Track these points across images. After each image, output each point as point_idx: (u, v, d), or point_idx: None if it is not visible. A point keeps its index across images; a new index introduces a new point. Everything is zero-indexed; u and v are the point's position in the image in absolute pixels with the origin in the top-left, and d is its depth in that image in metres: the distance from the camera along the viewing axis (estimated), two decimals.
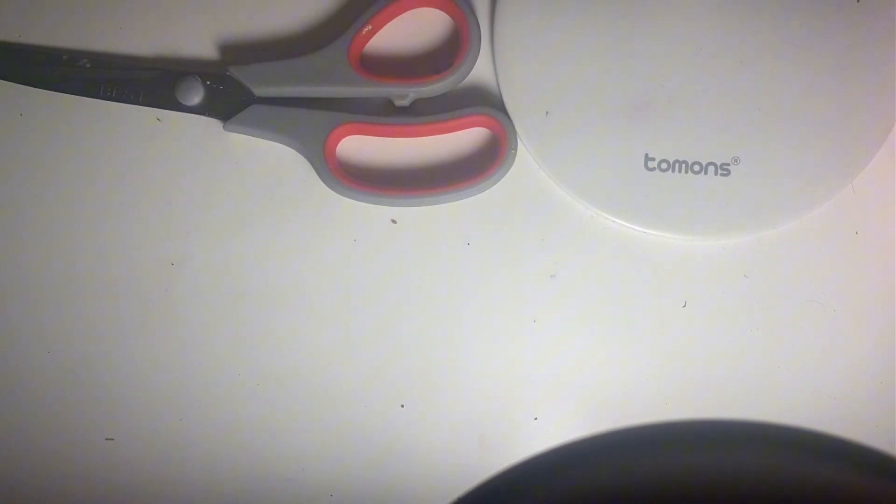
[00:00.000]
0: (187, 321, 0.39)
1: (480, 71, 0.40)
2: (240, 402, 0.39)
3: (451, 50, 0.40)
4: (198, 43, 0.40)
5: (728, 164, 0.38)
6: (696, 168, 0.38)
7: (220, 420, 0.39)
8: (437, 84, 0.39)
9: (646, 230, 0.39)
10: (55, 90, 0.39)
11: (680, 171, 0.38)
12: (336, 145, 0.40)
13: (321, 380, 0.39)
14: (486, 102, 0.40)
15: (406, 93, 0.39)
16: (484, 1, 0.40)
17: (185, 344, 0.39)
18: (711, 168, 0.38)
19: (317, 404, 0.39)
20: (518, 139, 0.39)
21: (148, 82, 0.39)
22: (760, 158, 0.39)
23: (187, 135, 0.40)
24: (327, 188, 0.39)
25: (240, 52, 0.40)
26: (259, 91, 0.39)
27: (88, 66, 0.40)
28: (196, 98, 0.39)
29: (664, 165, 0.39)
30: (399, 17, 0.40)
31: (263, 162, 0.40)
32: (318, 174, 0.39)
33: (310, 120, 0.39)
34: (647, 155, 0.39)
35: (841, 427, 0.39)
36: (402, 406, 0.39)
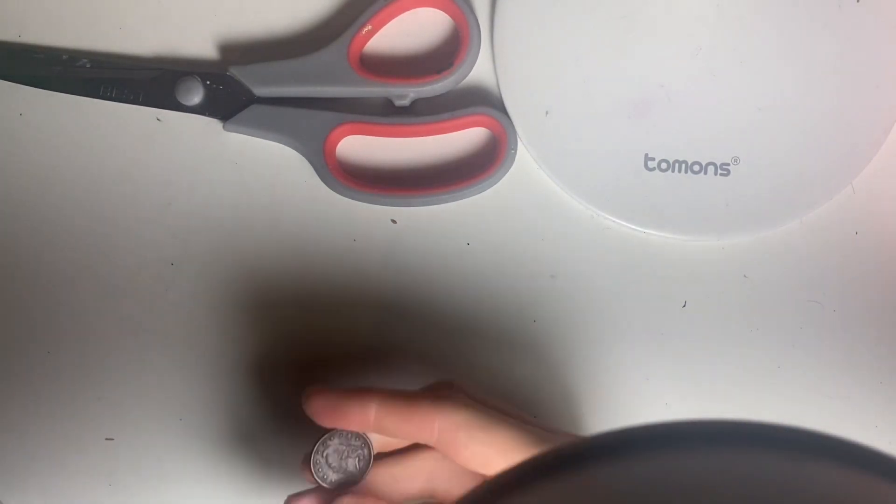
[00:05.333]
0: (187, 321, 0.39)
1: (480, 71, 0.40)
2: (240, 401, 0.39)
3: (451, 50, 0.40)
4: (198, 43, 0.40)
5: (728, 164, 0.38)
6: (696, 168, 0.38)
7: (220, 419, 0.39)
8: (437, 84, 0.39)
9: (646, 230, 0.39)
10: (55, 90, 0.40)
11: (680, 171, 0.38)
12: (336, 145, 0.40)
13: (321, 380, 0.39)
14: (486, 102, 0.40)
15: (406, 93, 0.39)
16: (484, 1, 0.40)
17: (184, 344, 0.39)
18: (711, 168, 0.38)
19: None
20: (518, 139, 0.39)
21: (148, 82, 0.39)
22: (760, 158, 0.38)
23: (187, 135, 0.40)
24: (327, 188, 0.39)
25: (240, 52, 0.40)
26: (259, 91, 0.39)
27: (88, 66, 0.40)
28: (196, 98, 0.39)
29: (664, 165, 0.39)
30: (399, 17, 0.40)
31: (263, 162, 0.40)
32: (318, 174, 0.39)
33: (310, 120, 0.39)
34: (647, 155, 0.39)
35: (841, 427, 0.39)
36: None
